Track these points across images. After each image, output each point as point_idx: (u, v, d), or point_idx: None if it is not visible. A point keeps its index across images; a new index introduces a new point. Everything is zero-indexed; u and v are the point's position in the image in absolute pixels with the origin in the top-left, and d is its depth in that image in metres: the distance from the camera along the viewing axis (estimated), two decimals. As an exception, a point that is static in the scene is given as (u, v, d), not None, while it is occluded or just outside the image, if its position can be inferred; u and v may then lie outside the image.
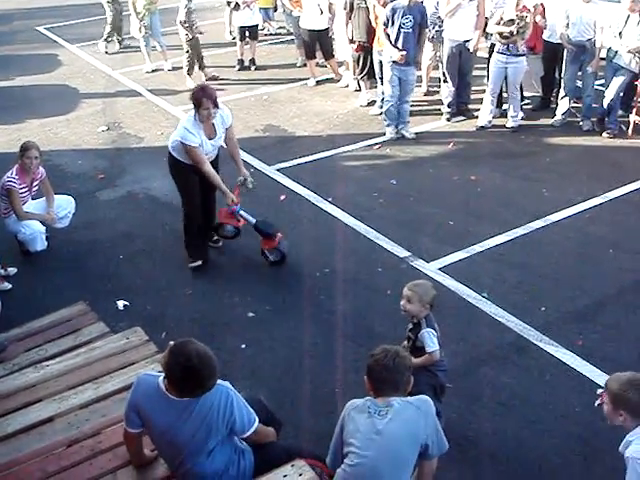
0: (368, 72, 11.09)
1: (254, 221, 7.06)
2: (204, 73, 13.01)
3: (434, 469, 3.98)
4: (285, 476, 3.54)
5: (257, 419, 3.81)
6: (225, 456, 3.79)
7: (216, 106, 6.60)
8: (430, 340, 4.79)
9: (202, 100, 6.51)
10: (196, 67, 12.85)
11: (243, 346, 5.95)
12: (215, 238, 7.56)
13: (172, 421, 3.70)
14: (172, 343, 3.73)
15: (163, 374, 3.74)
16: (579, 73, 10.15)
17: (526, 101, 10.98)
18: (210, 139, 6.78)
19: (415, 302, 4.83)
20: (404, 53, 9.56)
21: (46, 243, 7.58)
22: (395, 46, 9.61)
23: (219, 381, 3.73)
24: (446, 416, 5.24)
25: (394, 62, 9.71)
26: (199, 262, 7.20)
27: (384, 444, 3.64)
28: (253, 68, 13.62)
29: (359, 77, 11.45)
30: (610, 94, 9.80)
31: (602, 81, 10.34)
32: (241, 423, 3.75)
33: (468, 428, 5.19)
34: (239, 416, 3.73)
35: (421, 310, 4.83)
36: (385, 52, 9.92)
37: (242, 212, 7.07)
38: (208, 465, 3.74)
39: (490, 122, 10.40)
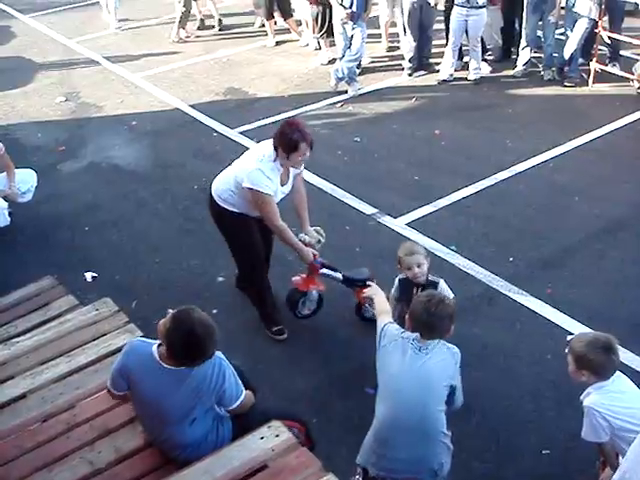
0: (327, 30, 10.98)
1: (341, 275, 5.69)
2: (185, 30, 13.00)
3: None
4: (262, 438, 3.56)
5: (244, 391, 3.80)
6: (206, 425, 3.79)
7: (311, 149, 5.22)
8: (448, 290, 4.94)
9: (300, 145, 5.07)
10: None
11: (215, 311, 5.92)
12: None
13: (162, 391, 3.68)
14: (171, 311, 3.67)
15: (157, 342, 3.72)
16: (539, 23, 10.12)
17: (488, 53, 10.94)
18: (282, 185, 5.40)
19: (424, 262, 4.84)
20: (349, 11, 9.57)
21: (9, 219, 7.45)
22: (341, 4, 9.62)
23: (214, 355, 3.71)
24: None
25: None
26: (285, 331, 5.86)
27: (422, 377, 3.85)
28: (218, 28, 13.43)
29: (318, 36, 11.35)
30: (571, 43, 9.81)
31: (562, 30, 10.33)
32: (229, 395, 3.74)
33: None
34: (229, 388, 3.71)
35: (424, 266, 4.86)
36: (334, 10, 9.94)
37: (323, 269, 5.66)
38: (189, 434, 3.73)
39: (452, 75, 10.38)
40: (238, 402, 3.78)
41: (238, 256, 5.76)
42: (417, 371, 3.84)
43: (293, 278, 5.66)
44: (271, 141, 5.24)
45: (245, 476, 3.42)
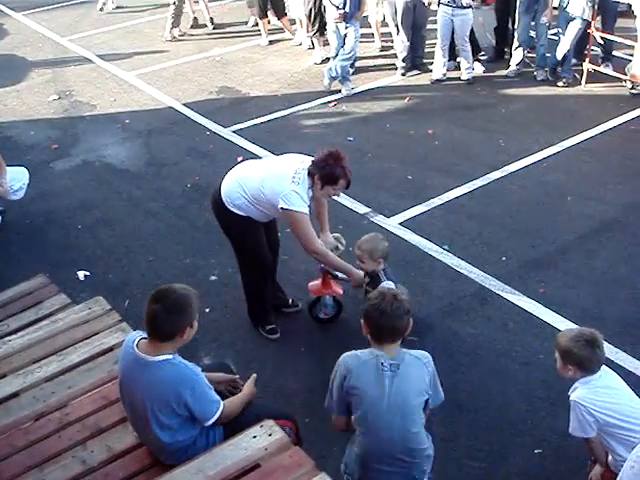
0: (320, 29, 10.99)
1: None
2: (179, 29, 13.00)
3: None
4: (254, 437, 3.55)
5: (220, 406, 3.71)
6: (190, 432, 3.75)
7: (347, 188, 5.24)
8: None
9: (339, 181, 5.04)
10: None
11: (207, 310, 5.93)
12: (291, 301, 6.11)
13: (130, 376, 3.68)
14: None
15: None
16: (532, 23, 10.13)
17: (482, 53, 10.96)
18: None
19: (367, 260, 4.86)
20: (342, 12, 9.59)
21: (0, 217, 7.45)
22: (334, 4, 9.64)
23: (188, 364, 3.65)
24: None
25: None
26: (278, 332, 5.83)
27: (400, 403, 3.64)
28: (211, 27, 13.40)
29: (312, 35, 11.35)
30: (564, 43, 9.83)
31: (555, 30, 10.35)
32: (201, 412, 3.66)
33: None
34: (197, 405, 3.63)
35: (376, 265, 4.85)
36: (327, 10, 9.97)
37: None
38: (169, 438, 3.68)
39: (445, 75, 10.40)
40: (213, 418, 3.70)
41: (242, 258, 5.63)
42: (394, 397, 3.62)
43: (310, 283, 5.68)
44: (304, 163, 5.11)
45: (238, 475, 3.41)
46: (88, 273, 6.59)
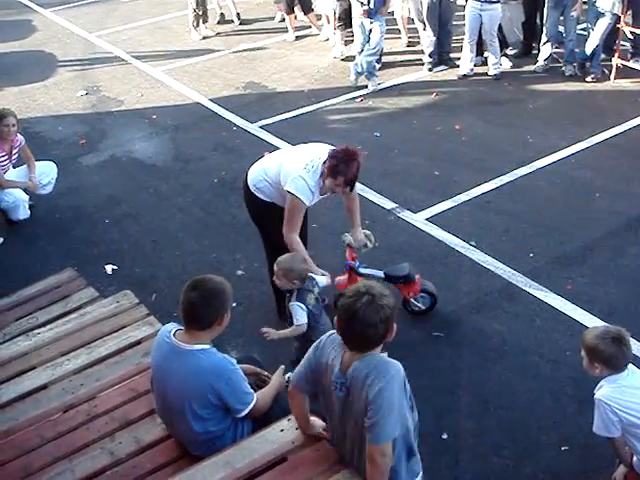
0: (345, 22, 10.98)
1: (382, 273, 5.68)
2: (206, 26, 12.99)
3: None
4: (282, 430, 3.56)
5: (254, 398, 3.76)
6: (221, 424, 3.78)
7: (351, 188, 5.23)
8: (297, 313, 4.80)
9: (338, 177, 5.00)
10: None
11: (234, 304, 5.92)
12: None
13: (165, 366, 3.72)
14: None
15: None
16: (561, 18, 10.05)
17: (510, 48, 10.89)
18: (321, 195, 5.28)
19: (281, 278, 4.81)
20: (366, 8, 9.61)
21: (29, 211, 7.53)
22: (359, 1, 9.66)
23: (223, 355, 3.71)
24: (437, 365, 5.31)
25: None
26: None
27: (349, 423, 3.34)
28: (238, 22, 13.43)
29: (335, 28, 11.35)
30: (593, 38, 9.73)
31: (583, 25, 10.26)
32: (235, 403, 3.70)
33: (461, 376, 5.23)
34: (231, 394, 3.66)
35: (291, 285, 4.83)
36: (353, 5, 10.03)
37: (362, 268, 5.70)
38: (202, 428, 3.71)
39: (472, 70, 10.34)
40: (246, 410, 3.74)
41: (269, 247, 5.65)
42: (347, 421, 3.33)
43: (336, 278, 5.62)
44: (324, 153, 5.13)
45: (265, 468, 3.43)
46: (116, 267, 6.64)
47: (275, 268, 4.85)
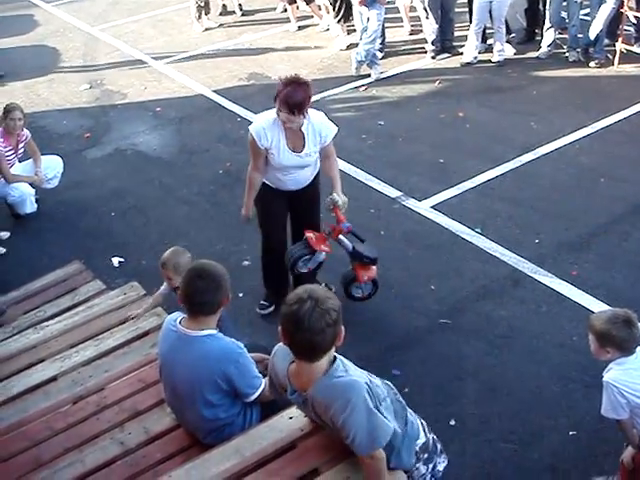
0: (344, 15, 10.98)
1: (351, 247, 5.46)
2: (208, 18, 12.99)
3: None
4: (290, 418, 3.57)
5: (263, 384, 3.77)
6: (231, 410, 3.80)
7: (298, 114, 4.89)
8: None
9: (277, 98, 4.89)
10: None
11: (241, 294, 5.97)
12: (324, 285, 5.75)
13: (173, 355, 3.73)
14: None
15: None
16: (564, 4, 10.01)
17: (512, 35, 10.86)
18: (295, 152, 5.14)
19: (173, 276, 4.81)
20: None
21: (35, 205, 7.55)
22: None
23: (230, 339, 3.73)
24: (444, 352, 5.33)
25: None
26: (271, 308, 5.92)
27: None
28: (240, 13, 13.41)
29: (336, 21, 11.33)
30: (597, 24, 9.70)
31: (587, 10, 10.23)
32: (244, 387, 3.72)
33: (467, 362, 5.25)
34: (240, 378, 3.68)
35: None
36: None
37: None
38: (211, 415, 3.73)
39: (476, 58, 10.32)
40: (256, 393, 3.76)
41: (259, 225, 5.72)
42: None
43: (307, 233, 5.42)
44: None
45: (274, 456, 3.44)
46: (122, 260, 6.66)
47: (163, 270, 4.87)
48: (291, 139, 5.10)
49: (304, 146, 5.14)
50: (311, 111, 5.11)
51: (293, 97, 4.80)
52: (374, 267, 5.53)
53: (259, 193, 5.43)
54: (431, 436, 3.49)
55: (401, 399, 3.35)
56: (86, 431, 4.05)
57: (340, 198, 5.29)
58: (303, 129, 5.06)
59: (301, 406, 3.32)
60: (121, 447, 3.87)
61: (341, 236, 5.40)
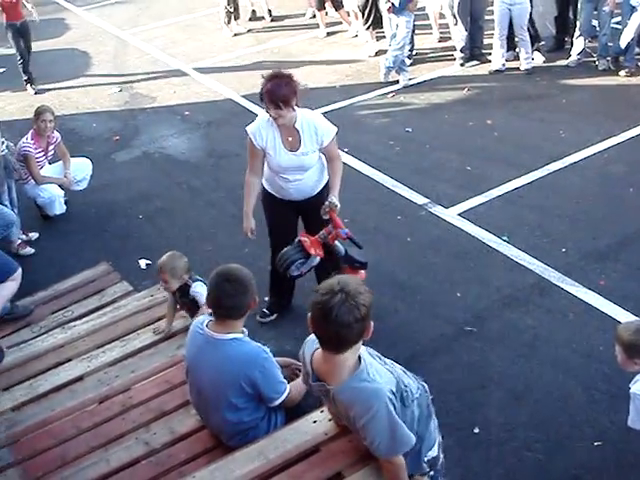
0: (374, 21, 11.01)
1: (343, 251, 5.28)
2: (237, 23, 13.10)
3: None
4: (315, 422, 3.58)
5: (287, 389, 3.79)
6: (255, 414, 3.81)
7: (286, 107, 4.85)
8: (199, 290, 4.85)
9: (263, 98, 4.92)
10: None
11: (266, 298, 5.98)
12: None
13: (199, 357, 3.76)
14: None
15: None
16: (594, 12, 9.95)
17: (542, 42, 10.81)
18: (292, 151, 5.10)
19: (170, 280, 4.83)
20: (389, 5, 9.68)
21: (65, 207, 7.64)
22: None
23: (256, 344, 3.75)
24: (469, 359, 5.31)
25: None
26: (272, 317, 5.95)
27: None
28: (269, 19, 13.49)
29: (365, 28, 11.36)
30: (627, 32, 9.62)
31: (618, 19, 10.17)
32: (268, 392, 3.73)
33: (492, 370, 5.21)
34: (265, 383, 3.69)
35: (180, 282, 4.86)
36: (381, 1, 10.12)
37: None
38: (235, 418, 3.75)
39: (504, 65, 10.29)
40: (280, 399, 3.77)
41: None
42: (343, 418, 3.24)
43: (302, 237, 5.20)
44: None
45: (298, 459, 3.45)
46: (149, 262, 6.70)
47: (160, 275, 4.90)
48: (287, 138, 5.08)
49: (300, 144, 5.09)
50: (306, 110, 5.13)
51: (277, 91, 4.81)
52: (363, 271, 5.37)
53: (265, 203, 5.50)
54: (442, 455, 3.47)
55: (431, 406, 3.33)
56: (111, 430, 4.10)
57: (336, 201, 5.14)
58: (298, 126, 5.03)
59: (322, 395, 3.30)
60: (146, 447, 3.90)
61: (336, 242, 5.25)
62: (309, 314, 2.98)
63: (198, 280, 4.91)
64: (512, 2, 9.69)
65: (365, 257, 5.33)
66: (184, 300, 4.96)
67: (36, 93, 11.23)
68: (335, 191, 5.18)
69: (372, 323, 3.00)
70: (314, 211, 5.25)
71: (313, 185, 5.34)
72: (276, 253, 5.37)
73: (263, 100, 4.89)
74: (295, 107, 4.94)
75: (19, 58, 11.15)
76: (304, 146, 5.09)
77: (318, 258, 5.19)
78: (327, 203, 5.09)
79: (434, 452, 3.38)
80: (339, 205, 5.10)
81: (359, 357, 3.08)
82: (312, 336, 3.23)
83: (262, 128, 5.11)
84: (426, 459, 3.34)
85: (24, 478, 3.86)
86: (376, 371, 3.10)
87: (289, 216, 5.54)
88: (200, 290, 4.82)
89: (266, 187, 5.45)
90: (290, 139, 5.08)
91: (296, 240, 5.15)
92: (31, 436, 4.19)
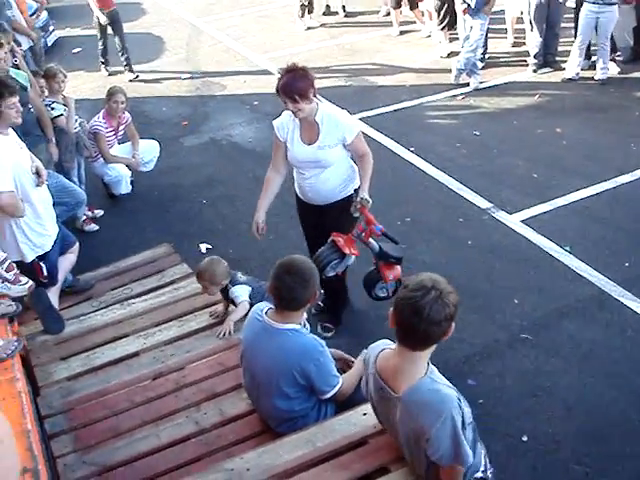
0: (449, 22, 10.95)
1: (377, 247, 5.16)
2: (311, 17, 13.18)
3: None
4: (365, 414, 3.60)
5: (340, 381, 3.80)
6: (305, 404, 3.84)
7: (303, 100, 4.77)
8: (237, 293, 4.88)
9: (279, 93, 4.85)
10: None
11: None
12: None
13: (256, 343, 3.80)
14: None
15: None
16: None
17: (618, 53, 10.63)
18: (309, 144, 5.02)
19: (209, 286, 4.85)
20: (465, 6, 9.64)
21: (130, 187, 7.76)
22: None
23: (312, 336, 3.78)
24: (522, 367, 5.25)
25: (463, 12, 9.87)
26: (333, 332, 5.72)
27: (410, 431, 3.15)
28: (343, 14, 13.51)
29: (440, 28, 11.31)
30: None
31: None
32: (321, 384, 3.75)
33: (545, 380, 5.15)
34: (317, 375, 3.72)
35: (220, 287, 4.88)
36: (456, 2, 10.07)
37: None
38: (286, 406, 3.79)
39: (578, 74, 10.13)
40: (332, 392, 3.79)
41: None
42: (402, 425, 3.15)
43: (335, 237, 5.08)
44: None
45: (345, 449, 3.47)
46: (210, 246, 6.79)
47: (199, 281, 4.95)
48: (306, 131, 5.02)
49: (318, 137, 4.98)
50: (329, 105, 5.14)
51: (292, 85, 4.75)
52: (399, 266, 5.31)
53: (296, 205, 5.57)
54: (490, 471, 3.41)
55: (475, 426, 3.29)
56: (164, 407, 4.17)
57: (367, 197, 4.99)
58: (318, 119, 4.94)
59: (381, 402, 3.27)
60: (196, 426, 3.97)
61: (370, 239, 5.13)
62: (392, 309, 3.00)
63: (238, 284, 4.95)
64: (600, 10, 9.51)
65: (399, 252, 5.25)
66: (226, 298, 5.04)
67: (109, 75, 11.44)
68: (365, 187, 5.05)
69: (454, 325, 3.01)
70: (333, 219, 5.22)
71: (332, 189, 5.19)
72: (311, 254, 5.32)
73: (280, 95, 4.82)
74: (314, 99, 4.87)
75: (101, 46, 11.40)
76: (322, 140, 4.98)
77: (353, 257, 5.14)
78: (358, 199, 4.96)
79: (480, 474, 3.34)
80: (371, 201, 4.96)
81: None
82: (377, 342, 3.31)
83: (285, 122, 5.10)
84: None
85: (77, 445, 3.95)
86: (442, 379, 3.11)
87: (313, 220, 5.50)
88: (238, 292, 4.89)
89: (295, 188, 5.46)
90: (309, 132, 5.01)
91: (329, 240, 5.09)
92: (86, 406, 4.29)
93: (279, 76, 4.88)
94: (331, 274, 5.14)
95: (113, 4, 11.05)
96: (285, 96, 4.78)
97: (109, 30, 11.19)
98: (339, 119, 4.98)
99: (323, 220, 5.32)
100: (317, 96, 4.93)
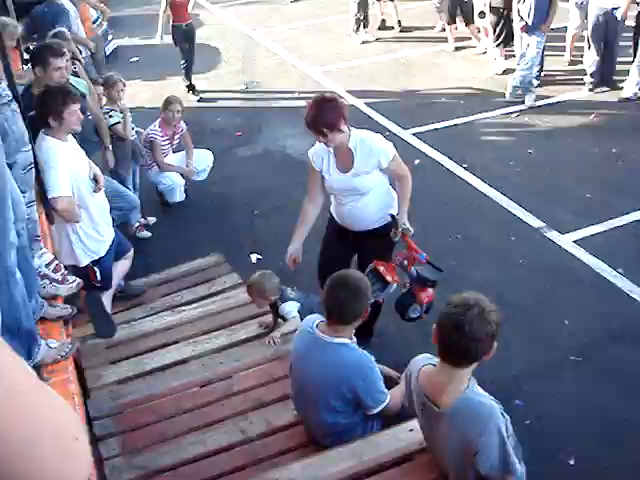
0: (505, 39, 10.90)
1: (415, 272, 4.98)
2: (366, 31, 13.16)
3: None
4: (411, 430, 3.59)
5: (388, 398, 3.80)
6: (351, 418, 3.85)
7: (332, 132, 4.64)
8: (287, 309, 4.91)
9: (315, 127, 4.68)
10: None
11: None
12: None
13: (306, 355, 3.83)
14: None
15: None
16: None
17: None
18: (344, 172, 4.90)
19: (257, 299, 4.91)
20: (523, 24, 9.55)
21: (184, 195, 7.86)
22: (519, 14, 9.60)
23: (363, 352, 3.79)
24: (571, 389, 5.19)
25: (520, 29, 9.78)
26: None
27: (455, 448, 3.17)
28: (398, 29, 13.54)
29: (495, 45, 11.25)
30: None
31: None
32: (368, 400, 3.75)
33: (594, 403, 5.06)
34: (365, 390, 3.72)
35: (269, 302, 4.89)
36: (514, 19, 10.00)
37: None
38: (332, 419, 3.80)
39: (636, 94, 9.98)
40: (378, 408, 3.78)
41: None
42: (450, 439, 3.16)
43: (377, 265, 4.91)
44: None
45: (390, 465, 3.47)
46: (260, 257, 6.84)
47: (248, 294, 5.01)
48: (340, 159, 4.90)
49: (353, 165, 4.85)
50: (363, 131, 4.97)
51: (320, 119, 4.63)
52: (431, 290, 5.09)
53: (328, 224, 5.39)
54: None
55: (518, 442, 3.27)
56: (211, 414, 4.22)
57: (409, 225, 4.86)
58: (351, 146, 4.81)
59: (422, 409, 3.27)
60: (242, 434, 4.01)
61: (412, 267, 4.94)
62: (435, 325, 3.05)
63: (289, 300, 4.98)
64: None
65: (435, 275, 5.06)
66: (276, 313, 5.07)
67: (199, 101, 11.02)
68: (404, 214, 4.89)
69: (496, 344, 3.04)
70: (371, 245, 5.10)
71: (369, 216, 5.04)
72: (320, 272, 5.31)
73: (309, 127, 4.72)
74: (345, 128, 4.75)
75: (183, 62, 10.95)
76: (356, 167, 4.85)
77: (395, 285, 4.99)
78: (400, 229, 4.79)
79: None
80: (412, 230, 4.85)
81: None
82: (418, 357, 3.33)
83: (319, 150, 4.98)
84: None
85: (124, 448, 4.01)
86: (483, 391, 3.13)
87: (341, 244, 5.33)
88: (288, 309, 4.93)
89: (331, 209, 5.35)
90: (343, 160, 4.88)
91: (369, 267, 4.94)
92: (134, 410, 4.35)
93: (308, 108, 4.75)
94: (371, 302, 5.06)
95: (189, 18, 10.79)
96: (313, 130, 4.68)
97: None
98: (373, 144, 4.85)
99: (358, 246, 5.22)
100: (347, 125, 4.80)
